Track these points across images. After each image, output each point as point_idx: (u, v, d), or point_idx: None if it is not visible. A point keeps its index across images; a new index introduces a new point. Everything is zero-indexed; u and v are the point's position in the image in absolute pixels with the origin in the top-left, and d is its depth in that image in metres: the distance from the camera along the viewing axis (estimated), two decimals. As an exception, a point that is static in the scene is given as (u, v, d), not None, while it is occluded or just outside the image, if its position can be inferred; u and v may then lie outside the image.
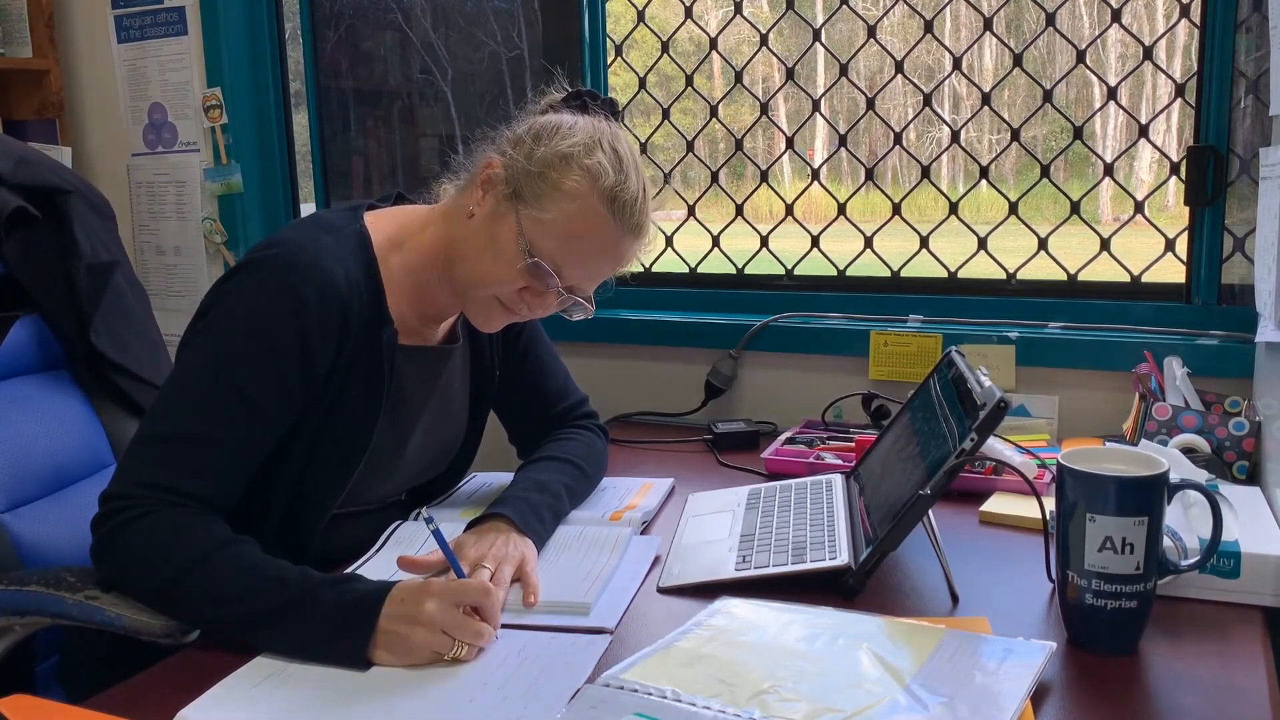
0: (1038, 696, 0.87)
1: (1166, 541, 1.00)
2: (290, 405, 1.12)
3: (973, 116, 1.90)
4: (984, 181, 1.88)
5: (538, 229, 1.14)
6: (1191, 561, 1.00)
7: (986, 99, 1.84)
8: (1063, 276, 1.84)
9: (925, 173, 1.98)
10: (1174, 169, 1.71)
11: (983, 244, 1.87)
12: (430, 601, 0.95)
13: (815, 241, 2.01)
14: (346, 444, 1.18)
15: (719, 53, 2.08)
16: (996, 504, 1.35)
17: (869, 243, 1.96)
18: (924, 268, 1.93)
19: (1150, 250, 1.76)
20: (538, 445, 1.42)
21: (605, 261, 1.19)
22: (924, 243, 1.93)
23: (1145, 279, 1.78)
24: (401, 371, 1.22)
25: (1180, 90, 1.72)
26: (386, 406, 1.20)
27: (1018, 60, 1.81)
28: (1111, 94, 1.79)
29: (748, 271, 2.07)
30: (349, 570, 1.17)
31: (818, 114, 2.04)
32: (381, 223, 1.23)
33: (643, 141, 2.11)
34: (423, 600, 0.95)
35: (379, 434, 1.20)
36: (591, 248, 1.17)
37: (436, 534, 1.05)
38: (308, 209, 2.40)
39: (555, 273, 1.15)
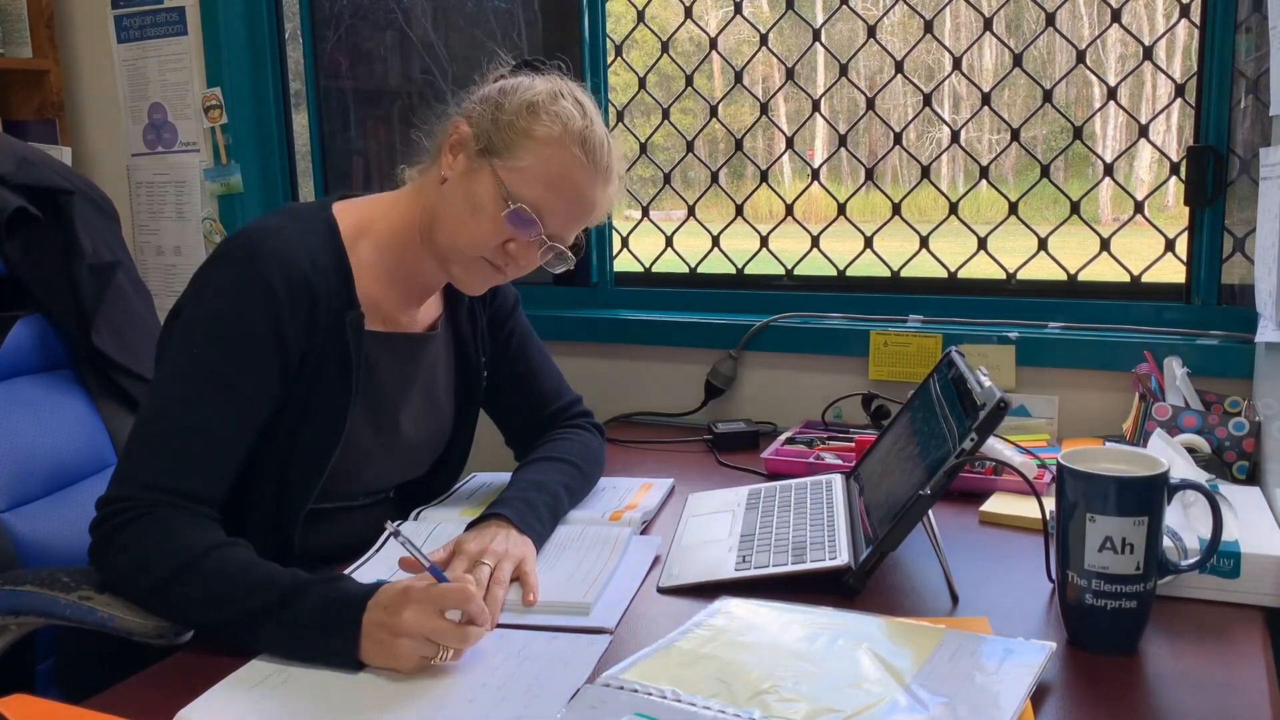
0: (1038, 696, 0.87)
1: (1166, 541, 1.00)
2: (270, 389, 1.13)
3: (973, 116, 1.90)
4: (984, 181, 1.88)
5: (515, 178, 1.16)
6: (1191, 561, 1.00)
7: (986, 99, 1.84)
8: (1063, 276, 1.84)
9: (925, 173, 1.98)
10: (1174, 169, 1.71)
11: (983, 244, 1.87)
12: (408, 610, 0.93)
13: (815, 241, 2.01)
14: (321, 430, 1.18)
15: (719, 53, 2.08)
16: (996, 504, 1.35)
17: (869, 243, 1.96)
18: (924, 268, 1.93)
19: (1150, 250, 1.76)
20: (534, 446, 1.42)
21: (581, 206, 1.21)
22: (924, 243, 1.93)
23: (1145, 279, 1.78)
24: (376, 358, 1.23)
25: (1180, 90, 1.72)
26: (360, 392, 1.20)
27: (1018, 60, 1.81)
28: (1111, 94, 1.79)
29: (748, 271, 2.07)
30: (352, 569, 1.17)
31: (818, 114, 2.04)
32: (351, 210, 1.25)
33: (643, 141, 2.11)
34: (401, 609, 0.93)
35: (353, 420, 1.20)
36: (569, 191, 1.18)
37: (406, 543, 1.01)
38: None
39: (538, 219, 1.17)
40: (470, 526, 1.20)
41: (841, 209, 1.99)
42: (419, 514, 1.34)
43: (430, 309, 1.33)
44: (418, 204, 1.24)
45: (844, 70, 1.95)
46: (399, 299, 1.27)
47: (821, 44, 1.99)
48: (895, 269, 1.95)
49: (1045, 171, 1.88)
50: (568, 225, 1.21)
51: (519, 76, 1.23)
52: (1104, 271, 1.80)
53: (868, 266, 1.98)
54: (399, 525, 1.05)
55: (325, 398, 1.18)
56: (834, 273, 2.00)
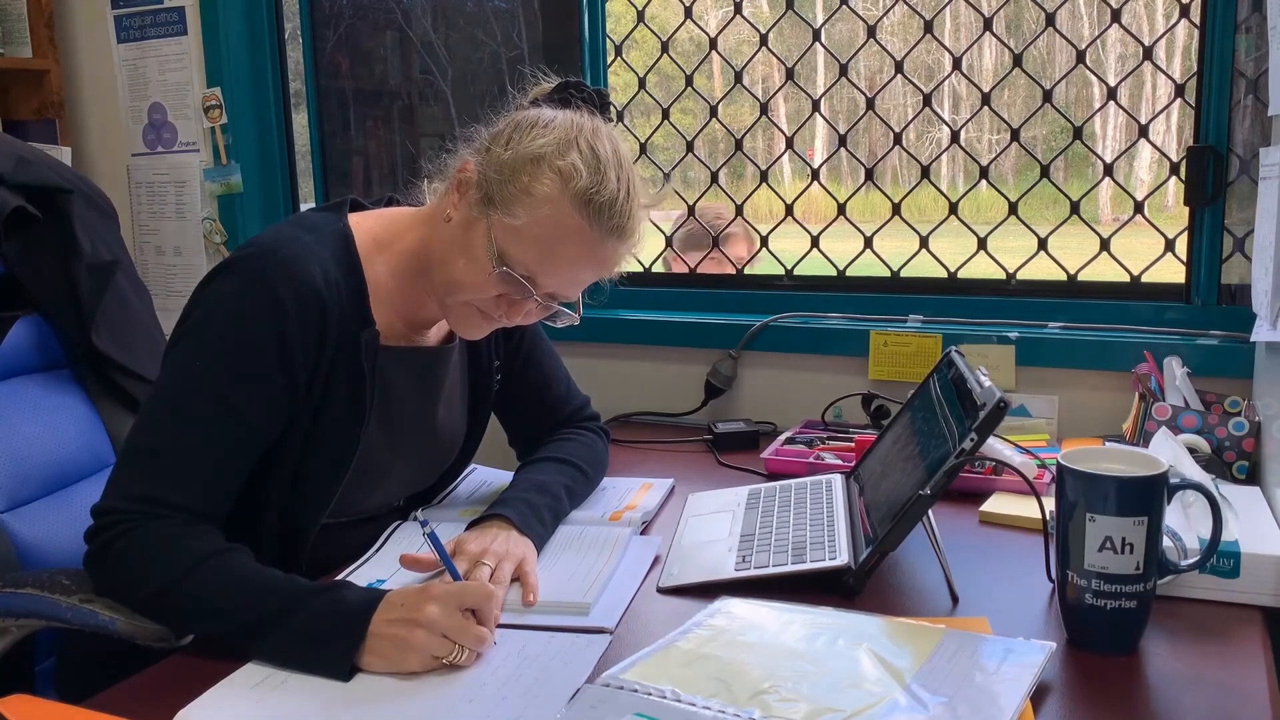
0: (1038, 696, 0.87)
1: (1166, 541, 1.00)
2: (275, 409, 1.10)
3: (973, 116, 1.90)
4: (984, 181, 1.88)
5: (508, 236, 1.10)
6: (1191, 561, 1.00)
7: (986, 99, 1.84)
8: (1063, 276, 1.84)
9: (925, 173, 1.98)
10: (1174, 169, 1.71)
11: (983, 244, 1.87)
12: (432, 605, 0.94)
13: (815, 241, 2.01)
14: (334, 449, 1.16)
15: (719, 53, 2.08)
16: (996, 504, 1.35)
17: (869, 243, 1.96)
18: (924, 268, 1.93)
19: (1150, 250, 1.76)
20: (538, 446, 1.42)
21: (584, 268, 1.15)
22: (924, 243, 1.93)
23: (1145, 279, 1.78)
24: (390, 374, 1.20)
25: (1180, 90, 1.72)
26: (374, 410, 1.18)
27: (1018, 60, 1.81)
28: (1111, 94, 1.79)
29: (748, 271, 2.07)
30: (351, 569, 1.17)
31: (818, 114, 2.04)
32: (367, 224, 1.21)
33: (642, 141, 2.11)
34: (424, 603, 0.95)
35: (368, 438, 1.18)
36: (567, 254, 1.12)
37: (432, 537, 1.04)
38: (307, 209, 2.40)
39: (529, 281, 1.11)
40: (471, 526, 1.20)
41: (841, 209, 1.99)
42: (416, 516, 1.34)
43: (444, 325, 1.30)
44: (428, 232, 1.19)
45: (844, 70, 1.95)
46: (411, 321, 1.24)
47: (821, 44, 1.99)
48: (895, 269, 1.95)
49: (1045, 171, 1.88)
50: (567, 286, 1.15)
51: (544, 110, 1.16)
52: (1104, 271, 1.80)
53: (868, 266, 1.98)
54: (430, 523, 1.05)
55: (337, 417, 1.15)
56: (834, 273, 2.00)
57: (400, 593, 0.98)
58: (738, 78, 2.03)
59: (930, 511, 1.13)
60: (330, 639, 0.95)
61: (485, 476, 1.50)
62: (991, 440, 1.39)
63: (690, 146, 2.06)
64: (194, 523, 1.04)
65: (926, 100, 1.91)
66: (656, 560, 1.21)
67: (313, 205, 2.39)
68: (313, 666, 0.95)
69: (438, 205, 1.20)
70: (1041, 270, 1.85)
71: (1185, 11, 1.68)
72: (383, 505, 1.31)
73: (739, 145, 2.05)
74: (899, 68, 1.89)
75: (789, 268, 2.03)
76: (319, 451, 1.15)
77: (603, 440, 1.48)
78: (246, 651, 0.97)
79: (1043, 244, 1.84)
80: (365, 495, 1.25)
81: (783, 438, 1.68)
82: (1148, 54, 1.74)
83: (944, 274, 1.91)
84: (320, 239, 1.15)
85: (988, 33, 1.87)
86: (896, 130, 1.95)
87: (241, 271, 1.10)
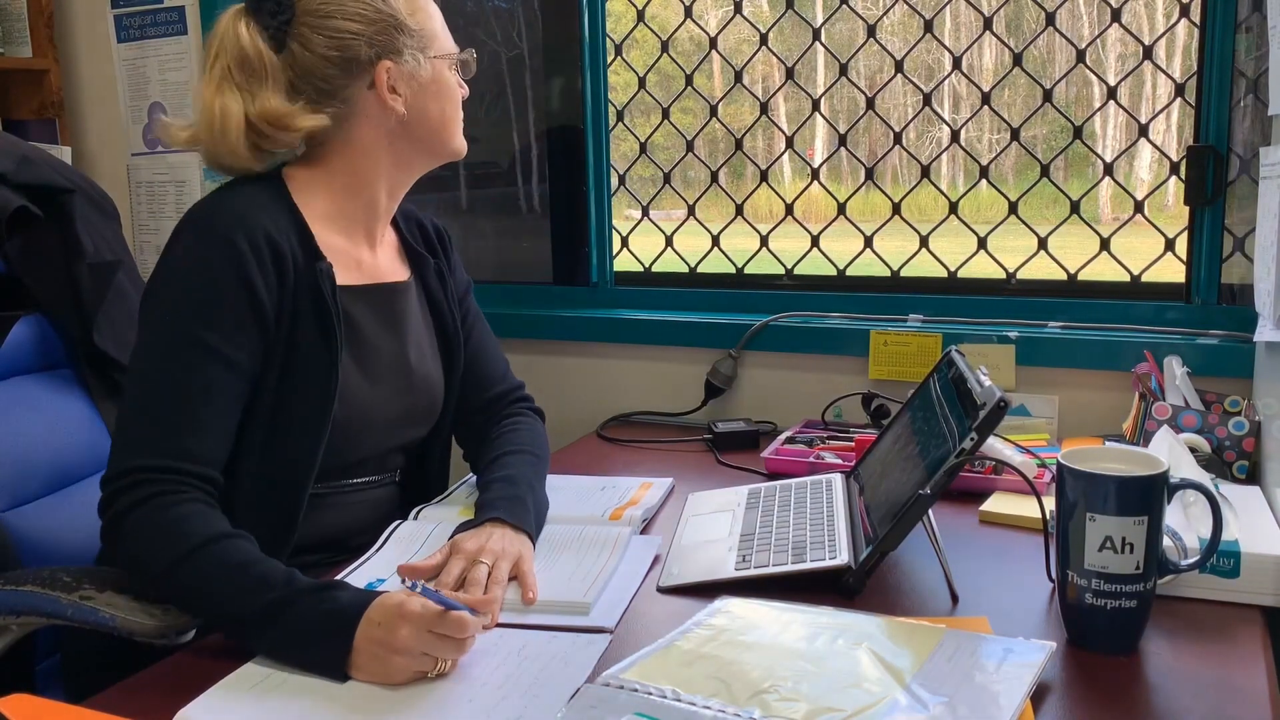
0: (1038, 696, 0.87)
1: (1166, 541, 1.00)
2: (251, 347, 1.13)
3: (973, 116, 1.90)
4: (984, 181, 1.88)
5: (441, 45, 1.26)
6: (1191, 561, 1.00)
7: (986, 99, 1.84)
8: (1063, 276, 1.84)
9: (925, 172, 1.98)
10: (1174, 169, 1.71)
11: (983, 244, 1.87)
12: (405, 628, 0.92)
13: (815, 241, 2.01)
14: (314, 385, 1.17)
15: (719, 52, 2.08)
16: (996, 504, 1.35)
17: (869, 242, 1.96)
18: (924, 267, 1.93)
19: (1150, 250, 1.76)
20: (479, 432, 1.42)
21: None
22: (924, 242, 1.93)
23: (1145, 279, 1.78)
24: (353, 311, 1.23)
25: (1180, 90, 1.72)
26: (346, 344, 1.20)
27: (1018, 60, 1.82)
28: (1111, 94, 1.79)
29: (748, 271, 2.07)
30: (350, 569, 1.17)
31: (818, 114, 2.04)
32: (295, 169, 1.26)
33: (642, 141, 2.11)
34: (398, 627, 0.92)
35: (345, 375, 1.20)
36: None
37: (424, 590, 0.98)
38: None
39: (460, 49, 1.30)
40: (462, 528, 1.19)
41: (841, 209, 1.99)
42: (419, 513, 1.34)
43: (396, 268, 1.34)
44: (362, 150, 1.24)
45: (844, 70, 1.95)
46: (357, 239, 1.27)
47: (821, 44, 1.99)
48: (895, 269, 1.95)
49: (1045, 171, 1.88)
50: None
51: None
52: (1104, 271, 1.80)
53: (868, 266, 1.98)
54: (419, 584, 1.01)
55: (311, 352, 1.17)
56: (834, 272, 2.00)
57: (380, 606, 0.95)
58: (738, 77, 2.03)
59: (930, 511, 1.13)
60: (319, 642, 0.95)
61: (485, 476, 1.50)
62: (991, 440, 1.39)
63: (690, 146, 2.06)
64: (200, 496, 1.06)
65: (926, 100, 1.91)
66: (656, 560, 1.21)
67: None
68: (306, 667, 0.95)
69: (355, 130, 1.24)
70: (1041, 270, 1.85)
71: (1185, 11, 1.68)
72: (375, 451, 1.29)
73: (739, 145, 2.05)
74: (899, 67, 1.89)
75: (789, 267, 2.03)
76: (300, 392, 1.17)
77: (541, 424, 1.48)
78: (240, 641, 0.98)
79: (1043, 244, 1.84)
80: (356, 442, 1.24)
81: (783, 437, 1.68)
82: (1148, 53, 1.74)
83: (944, 274, 1.91)
84: (256, 188, 1.21)
85: (988, 32, 1.87)
86: (896, 130, 1.95)
87: (193, 227, 1.15)
